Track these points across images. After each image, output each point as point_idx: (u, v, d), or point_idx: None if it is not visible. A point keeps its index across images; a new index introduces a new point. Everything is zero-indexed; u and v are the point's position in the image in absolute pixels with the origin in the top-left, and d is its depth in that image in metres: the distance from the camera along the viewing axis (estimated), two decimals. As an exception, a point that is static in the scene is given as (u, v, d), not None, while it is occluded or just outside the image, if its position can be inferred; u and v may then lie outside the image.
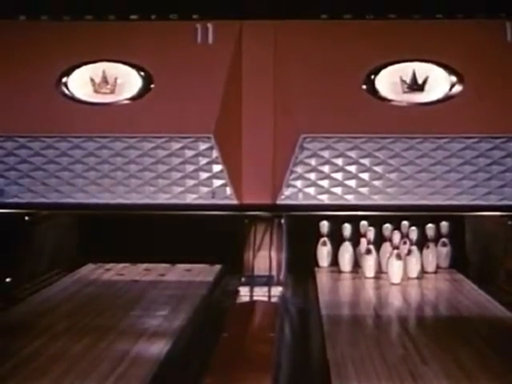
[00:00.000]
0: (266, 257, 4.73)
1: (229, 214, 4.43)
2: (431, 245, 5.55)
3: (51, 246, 5.32)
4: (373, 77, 4.22)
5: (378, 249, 5.41)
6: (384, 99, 4.21)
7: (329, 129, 4.20)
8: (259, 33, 4.30)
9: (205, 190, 4.25)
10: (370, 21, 4.33)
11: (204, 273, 5.48)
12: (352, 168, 4.22)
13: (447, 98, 4.20)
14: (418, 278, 5.32)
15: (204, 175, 4.24)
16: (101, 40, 4.35)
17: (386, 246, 5.34)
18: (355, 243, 5.58)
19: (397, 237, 5.26)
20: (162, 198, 4.25)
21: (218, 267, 5.57)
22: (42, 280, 5.08)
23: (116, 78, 4.26)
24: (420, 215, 4.99)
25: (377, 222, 5.38)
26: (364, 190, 4.23)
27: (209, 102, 4.22)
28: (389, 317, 4.45)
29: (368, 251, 5.39)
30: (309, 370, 3.56)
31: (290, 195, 4.25)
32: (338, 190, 4.24)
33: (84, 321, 4.23)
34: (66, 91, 4.27)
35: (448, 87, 4.19)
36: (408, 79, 4.20)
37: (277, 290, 4.58)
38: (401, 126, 4.19)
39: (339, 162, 4.21)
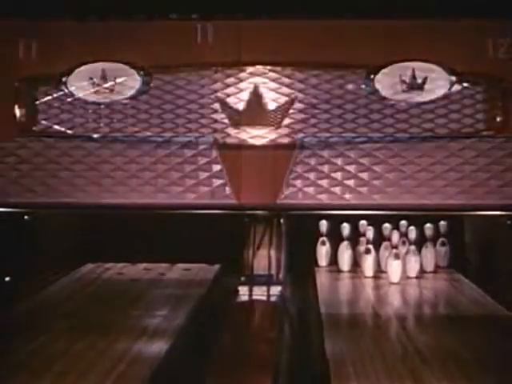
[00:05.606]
0: (265, 256, 4.74)
1: (228, 214, 4.44)
2: (430, 244, 5.55)
3: (51, 245, 5.32)
4: (372, 76, 4.22)
5: (377, 248, 5.40)
6: (383, 99, 4.21)
7: (328, 128, 4.20)
8: (259, 33, 4.31)
9: (204, 189, 4.25)
10: (370, 20, 4.33)
11: (203, 272, 5.48)
12: (351, 168, 4.22)
13: (446, 98, 4.20)
14: (416, 277, 5.31)
15: (203, 175, 4.24)
16: (100, 39, 4.34)
17: (386, 246, 5.34)
18: (354, 243, 5.57)
19: (395, 236, 5.25)
20: (162, 198, 4.26)
21: (217, 266, 5.57)
22: (41, 279, 5.08)
23: (115, 78, 4.26)
24: (419, 215, 4.98)
25: (376, 222, 5.38)
26: (363, 189, 4.23)
27: (208, 102, 4.22)
28: (388, 316, 4.44)
29: (367, 251, 5.39)
30: (308, 370, 3.56)
31: (289, 195, 4.25)
32: (337, 190, 4.24)
33: (84, 320, 4.23)
34: (66, 91, 4.27)
35: (448, 87, 4.19)
36: (407, 79, 4.20)
37: (276, 290, 4.59)
38: (400, 125, 4.19)
39: (338, 161, 4.22)
